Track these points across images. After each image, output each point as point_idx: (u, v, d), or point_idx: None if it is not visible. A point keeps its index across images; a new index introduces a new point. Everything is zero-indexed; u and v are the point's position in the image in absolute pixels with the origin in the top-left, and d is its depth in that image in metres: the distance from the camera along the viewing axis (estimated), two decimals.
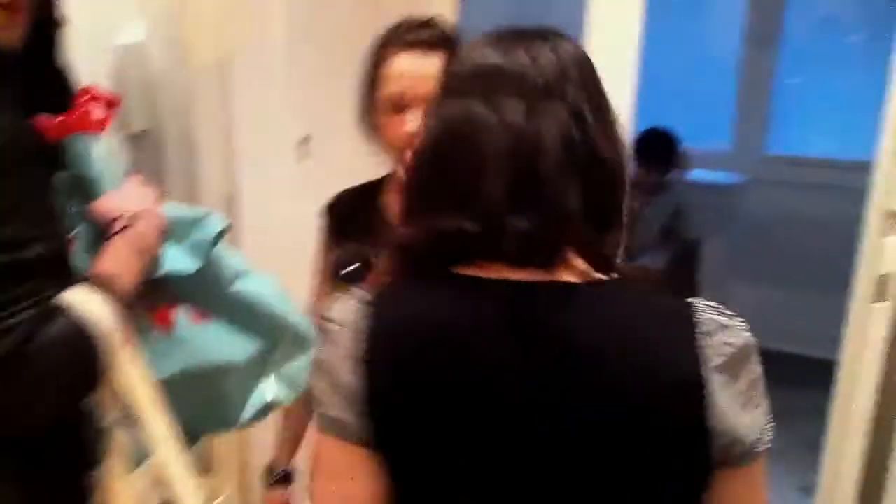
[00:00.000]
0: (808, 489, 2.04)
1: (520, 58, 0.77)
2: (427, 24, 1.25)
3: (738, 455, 0.73)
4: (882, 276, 1.75)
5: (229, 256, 1.18)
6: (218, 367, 1.16)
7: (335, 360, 0.75)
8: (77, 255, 1.02)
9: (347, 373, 0.74)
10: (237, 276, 1.18)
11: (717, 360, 0.72)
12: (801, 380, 3.06)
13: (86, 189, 1.07)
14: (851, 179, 2.40)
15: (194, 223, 1.13)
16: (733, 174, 4.11)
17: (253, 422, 1.24)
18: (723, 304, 0.76)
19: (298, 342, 1.23)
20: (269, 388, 1.23)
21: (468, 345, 0.73)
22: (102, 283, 0.93)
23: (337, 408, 0.75)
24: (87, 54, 1.60)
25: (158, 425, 1.00)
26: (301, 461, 1.51)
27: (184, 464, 1.02)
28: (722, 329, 0.73)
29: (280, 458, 1.50)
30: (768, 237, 3.98)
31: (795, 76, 4.15)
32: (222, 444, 1.94)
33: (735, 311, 0.76)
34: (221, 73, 1.76)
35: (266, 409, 1.23)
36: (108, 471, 0.99)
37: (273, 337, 1.22)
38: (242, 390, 1.21)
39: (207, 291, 1.16)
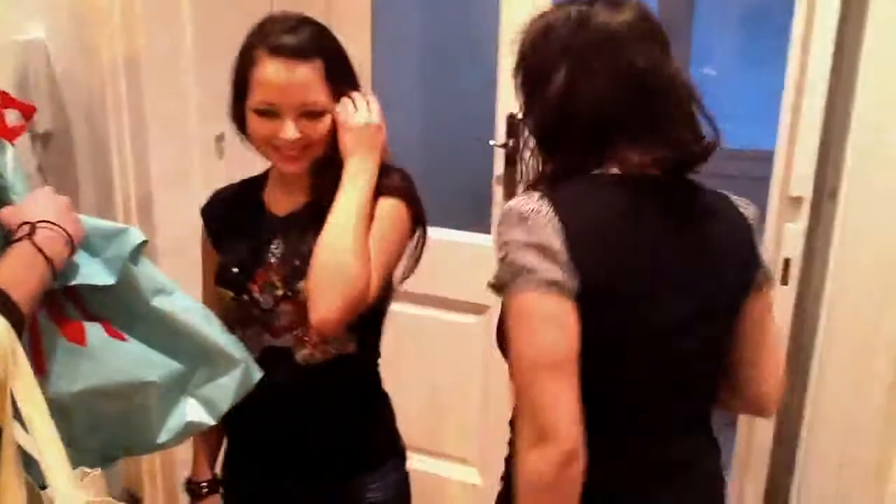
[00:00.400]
0: (729, 470, 2.13)
1: (641, 17, 1.04)
2: (296, 27, 1.23)
3: (765, 280, 1.13)
4: (785, 259, 1.83)
5: (149, 273, 1.16)
6: (133, 384, 1.13)
7: (544, 237, 0.98)
8: None
9: (556, 244, 0.97)
10: (157, 293, 1.16)
11: (752, 223, 1.12)
12: None
13: None
14: (765, 169, 2.50)
15: (112, 237, 1.11)
16: None
17: (174, 442, 1.22)
18: None
19: (221, 362, 1.21)
20: (191, 409, 1.21)
21: (640, 219, 1.03)
22: None
23: (552, 272, 0.97)
24: None
25: (46, 438, 0.96)
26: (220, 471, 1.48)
27: (68, 476, 0.97)
28: (745, 205, 1.13)
29: (201, 469, 1.45)
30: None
31: (709, 68, 4.28)
32: (147, 464, 1.90)
33: None
34: (130, 70, 1.72)
35: (187, 430, 1.21)
36: (2, 481, 0.95)
37: (195, 357, 1.20)
38: (161, 410, 1.19)
39: (124, 307, 1.14)
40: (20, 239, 0.99)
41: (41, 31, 1.64)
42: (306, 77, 1.21)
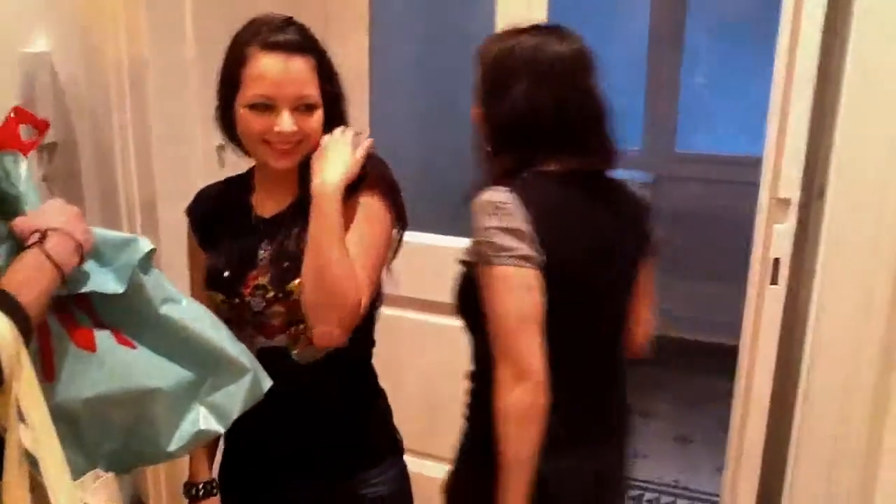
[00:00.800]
0: (721, 471, 2.15)
1: (582, 48, 1.32)
2: (286, 26, 1.26)
3: (654, 248, 1.44)
4: (775, 259, 1.87)
5: (159, 281, 1.18)
6: (142, 391, 1.15)
7: (516, 222, 1.23)
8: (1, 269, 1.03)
9: (525, 228, 1.23)
10: (165, 301, 1.17)
11: (647, 205, 1.45)
12: (715, 367, 3.21)
13: (9, 206, 1.09)
14: (755, 174, 2.54)
15: (121, 246, 1.13)
16: (644, 173, 4.25)
17: (184, 451, 1.23)
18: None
19: (231, 370, 1.22)
20: (201, 417, 1.22)
21: (581, 206, 1.32)
22: (1, 297, 0.94)
23: (525, 249, 1.23)
24: None
25: (46, 440, 0.99)
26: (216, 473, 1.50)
27: (66, 478, 1.00)
28: (638, 189, 1.45)
29: (198, 471, 1.46)
30: (680, 231, 4.14)
31: (701, 77, 4.33)
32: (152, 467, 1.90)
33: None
34: (133, 81, 1.75)
35: (197, 439, 1.22)
36: (5, 480, 0.96)
37: (204, 365, 1.21)
38: (171, 418, 1.20)
39: (134, 315, 1.16)
40: (31, 246, 1.02)
41: (46, 43, 1.68)
42: (302, 70, 1.24)
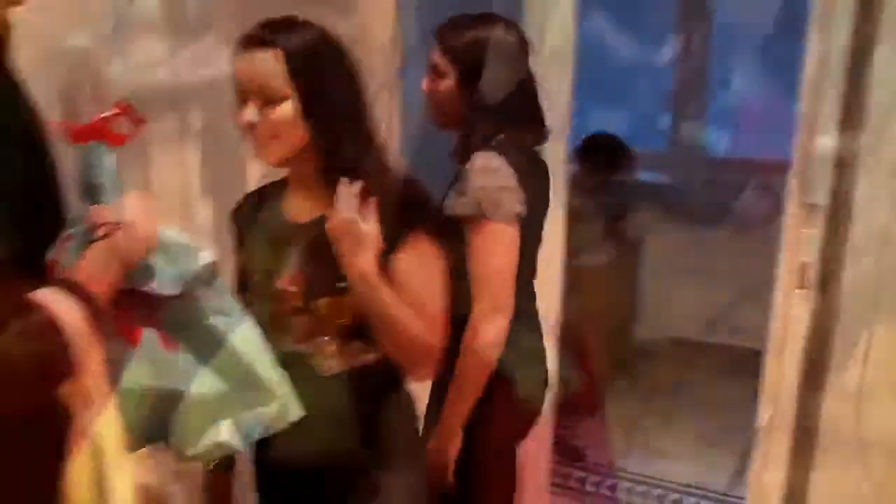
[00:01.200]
0: (743, 472, 2.15)
1: (525, 34, 1.62)
2: (268, 23, 1.27)
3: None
4: (803, 264, 1.87)
5: (218, 293, 1.20)
6: (174, 394, 1.17)
7: (509, 182, 1.50)
8: (69, 253, 1.07)
9: (515, 186, 1.50)
10: (216, 313, 1.19)
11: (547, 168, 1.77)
12: (741, 369, 3.20)
13: (91, 194, 1.11)
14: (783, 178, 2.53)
15: (185, 251, 1.15)
16: (670, 174, 4.22)
17: (201, 457, 1.24)
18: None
19: (261, 394, 1.23)
20: (225, 430, 1.22)
21: (531, 169, 1.58)
22: (74, 287, 0.98)
23: (516, 206, 1.50)
24: (35, 59, 1.63)
25: (110, 430, 1.04)
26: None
27: (123, 462, 1.05)
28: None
29: None
30: (707, 234, 4.12)
31: (730, 77, 4.30)
32: None
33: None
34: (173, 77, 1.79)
35: (217, 450, 1.23)
36: (73, 462, 1.01)
37: (238, 382, 1.22)
38: (196, 425, 1.21)
39: (182, 320, 1.17)
40: (99, 238, 1.06)
41: (87, 38, 1.71)
42: (264, 62, 1.23)
